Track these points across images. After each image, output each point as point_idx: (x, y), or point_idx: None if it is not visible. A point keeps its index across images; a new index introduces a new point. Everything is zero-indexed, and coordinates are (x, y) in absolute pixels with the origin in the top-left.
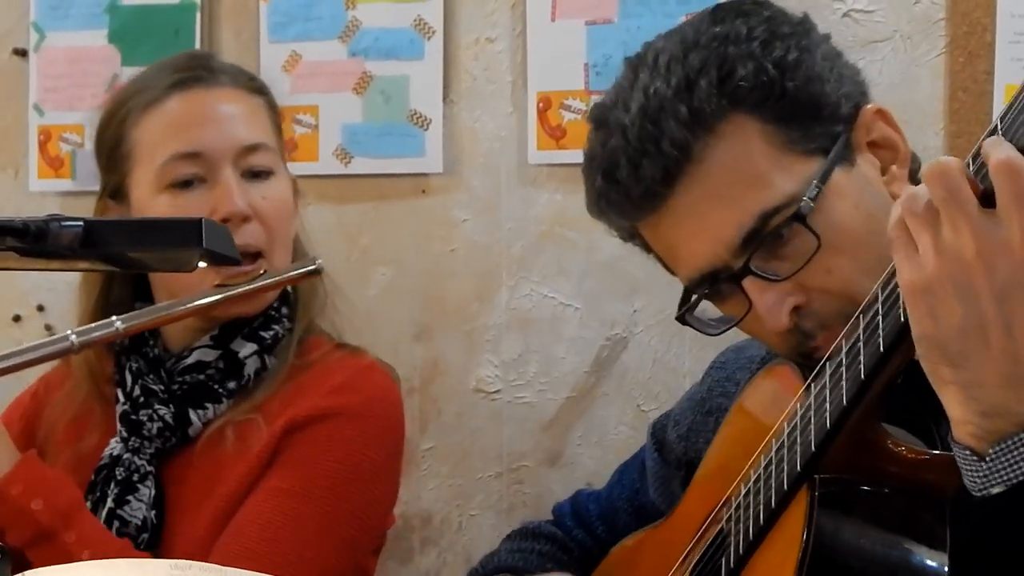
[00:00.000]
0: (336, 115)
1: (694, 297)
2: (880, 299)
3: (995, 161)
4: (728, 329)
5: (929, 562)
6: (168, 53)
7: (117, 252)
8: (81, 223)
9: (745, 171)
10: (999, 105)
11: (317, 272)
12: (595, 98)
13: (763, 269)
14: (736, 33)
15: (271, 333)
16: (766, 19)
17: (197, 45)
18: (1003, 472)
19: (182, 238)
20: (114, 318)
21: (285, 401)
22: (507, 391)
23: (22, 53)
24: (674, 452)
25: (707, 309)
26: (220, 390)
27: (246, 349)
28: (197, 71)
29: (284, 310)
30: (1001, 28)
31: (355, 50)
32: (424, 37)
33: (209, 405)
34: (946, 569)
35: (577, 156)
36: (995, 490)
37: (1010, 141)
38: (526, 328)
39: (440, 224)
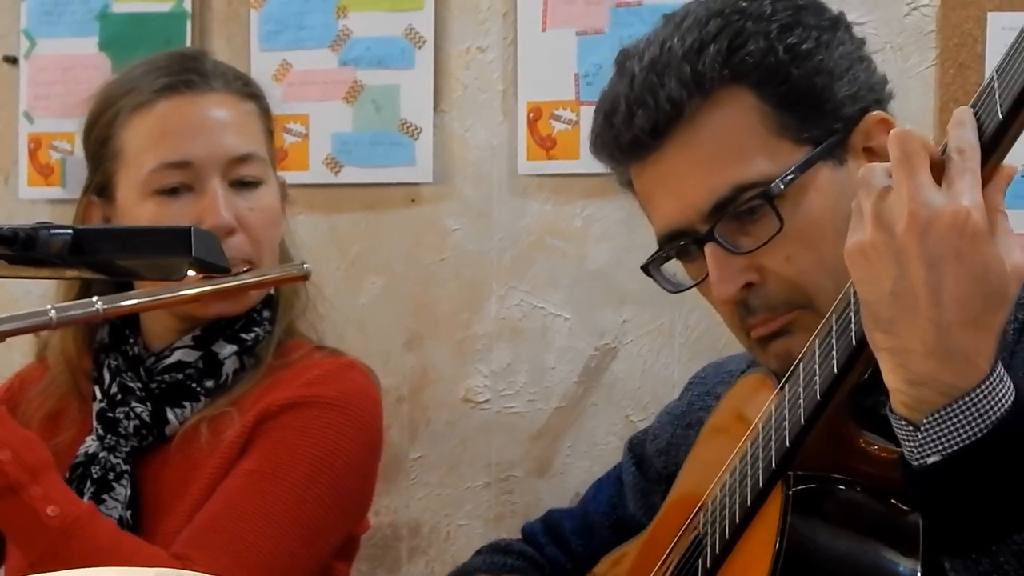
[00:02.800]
0: (326, 124)
1: (663, 251)
2: (852, 298)
3: (953, 116)
4: (685, 290)
5: (900, 561)
6: None
7: (106, 260)
8: (70, 231)
9: (731, 143)
10: None
11: (305, 276)
12: (585, 108)
13: (726, 239)
14: (759, 11)
15: (252, 335)
16: (796, 7)
17: None
18: (937, 442)
19: (171, 246)
20: (95, 298)
21: (261, 394)
22: (496, 401)
23: (12, 60)
24: (654, 467)
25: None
26: (198, 389)
27: (227, 350)
28: (189, 75)
29: (266, 313)
30: (991, 40)
31: (346, 59)
32: (415, 46)
33: (187, 404)
34: (919, 568)
35: (567, 167)
36: (931, 460)
37: (1004, 88)
38: (516, 338)
39: (430, 233)
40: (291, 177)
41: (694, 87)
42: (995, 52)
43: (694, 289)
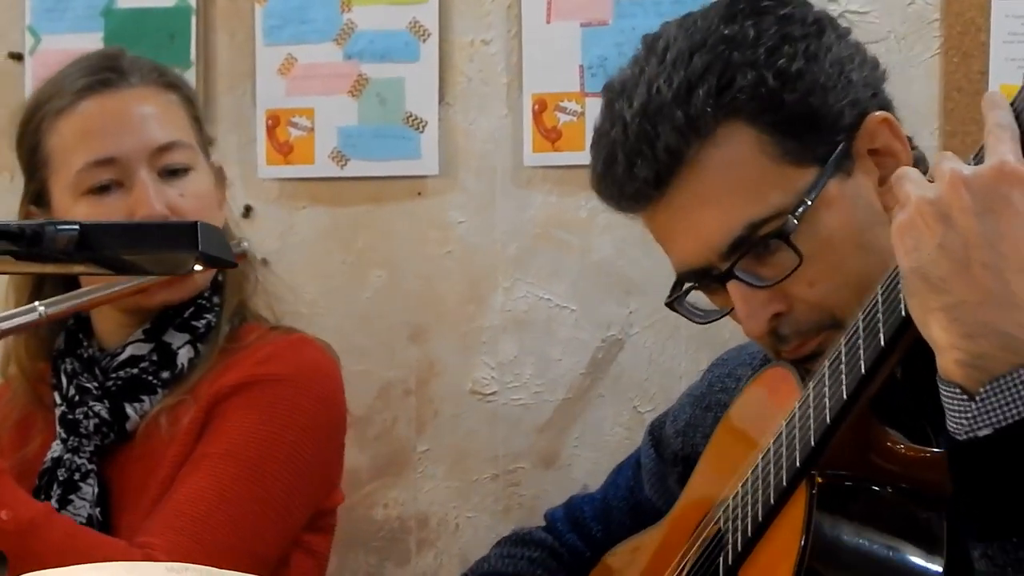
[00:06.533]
0: (332, 118)
1: (684, 287)
2: (880, 298)
3: (984, 99)
4: (715, 320)
5: (926, 562)
6: (163, 57)
7: (112, 255)
8: (77, 226)
9: (737, 179)
10: None
11: (240, 254)
12: (590, 100)
13: (747, 274)
14: (743, 36)
15: (203, 322)
16: (780, 19)
17: (192, 48)
18: (992, 413)
19: (178, 241)
20: (36, 303)
21: (215, 378)
22: (503, 393)
23: (17, 57)
24: (670, 447)
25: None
26: (154, 381)
27: (178, 340)
28: (106, 73)
29: (216, 299)
30: (995, 28)
31: (350, 52)
32: (419, 39)
33: (145, 397)
34: (943, 569)
35: (572, 158)
36: (982, 433)
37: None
38: (521, 330)
39: (435, 226)
40: (297, 171)
41: (689, 132)
42: (999, 40)
43: None
